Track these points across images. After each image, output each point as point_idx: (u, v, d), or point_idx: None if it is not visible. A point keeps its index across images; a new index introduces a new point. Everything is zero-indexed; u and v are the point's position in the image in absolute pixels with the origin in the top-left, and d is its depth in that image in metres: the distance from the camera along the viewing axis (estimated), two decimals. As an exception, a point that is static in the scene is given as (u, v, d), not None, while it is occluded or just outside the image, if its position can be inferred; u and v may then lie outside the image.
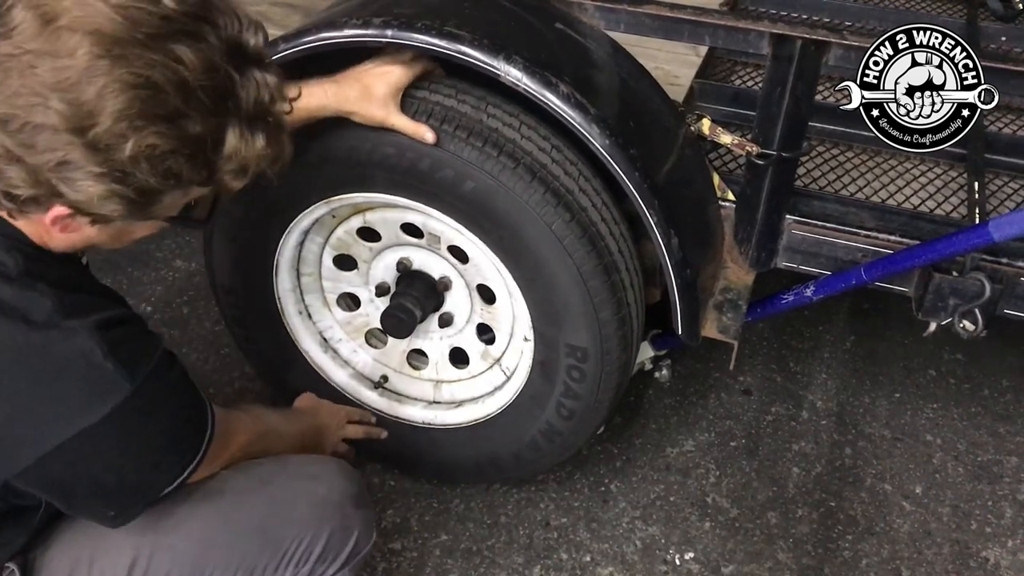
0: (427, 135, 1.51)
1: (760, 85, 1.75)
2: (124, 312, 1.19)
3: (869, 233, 1.80)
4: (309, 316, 1.96)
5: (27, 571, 1.28)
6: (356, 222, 1.81)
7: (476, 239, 1.65)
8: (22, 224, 1.10)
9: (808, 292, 1.82)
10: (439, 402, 1.98)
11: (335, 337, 2.00)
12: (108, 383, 1.11)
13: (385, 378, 2.00)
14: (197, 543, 1.30)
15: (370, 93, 1.51)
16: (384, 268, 1.87)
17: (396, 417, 1.99)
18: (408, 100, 1.55)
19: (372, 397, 2.00)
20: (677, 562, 1.97)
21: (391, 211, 1.75)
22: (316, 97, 1.49)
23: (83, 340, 1.09)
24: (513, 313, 1.78)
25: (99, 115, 0.96)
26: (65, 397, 1.10)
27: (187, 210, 1.16)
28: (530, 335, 1.73)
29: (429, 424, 1.97)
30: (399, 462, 2.09)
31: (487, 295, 1.81)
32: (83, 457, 1.13)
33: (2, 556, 1.27)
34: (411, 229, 1.78)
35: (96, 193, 1.00)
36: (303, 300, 1.95)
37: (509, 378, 1.86)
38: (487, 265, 1.72)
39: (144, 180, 1.01)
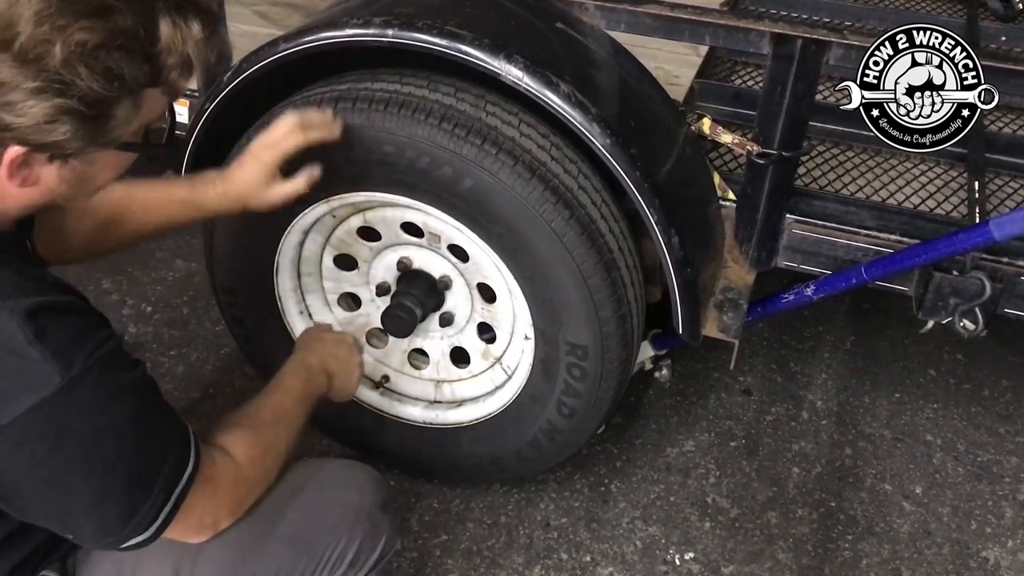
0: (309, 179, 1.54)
1: (760, 85, 1.75)
2: (66, 300, 1.07)
3: (869, 232, 1.80)
4: (310, 316, 1.96)
5: None
6: (356, 221, 1.81)
7: (476, 237, 1.65)
8: None
9: (809, 291, 1.82)
10: (440, 402, 1.98)
11: (336, 338, 2.00)
12: (33, 373, 1.00)
13: (386, 378, 2.00)
14: (237, 552, 1.28)
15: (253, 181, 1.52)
16: (384, 268, 1.87)
17: (397, 417, 1.98)
18: (405, 98, 1.55)
19: (373, 397, 1.99)
20: (677, 562, 1.97)
21: (391, 210, 1.75)
22: (208, 196, 1.51)
23: (4, 322, 0.99)
24: (514, 311, 1.78)
25: (17, 23, 0.92)
26: None
27: (147, 137, 1.11)
28: (531, 333, 1.73)
29: (430, 424, 1.96)
30: (401, 463, 2.08)
31: (488, 294, 1.81)
32: (15, 456, 1.02)
33: (38, 561, 1.23)
34: (411, 228, 1.78)
35: (41, 113, 0.95)
36: (304, 300, 1.95)
37: (510, 377, 1.86)
38: (487, 263, 1.72)
39: (87, 87, 0.96)
